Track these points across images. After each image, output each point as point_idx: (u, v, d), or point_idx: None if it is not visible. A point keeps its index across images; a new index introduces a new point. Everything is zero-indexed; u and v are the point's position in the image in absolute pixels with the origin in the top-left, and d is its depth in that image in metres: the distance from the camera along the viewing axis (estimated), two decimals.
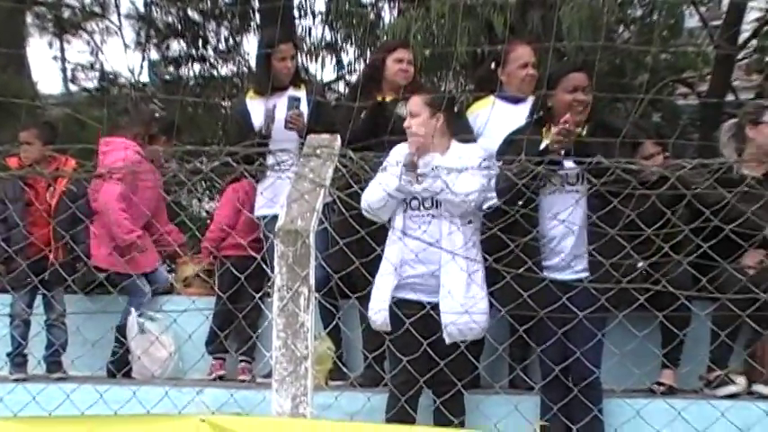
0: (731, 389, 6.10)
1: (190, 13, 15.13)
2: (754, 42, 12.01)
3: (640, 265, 5.63)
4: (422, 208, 5.75)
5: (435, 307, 5.63)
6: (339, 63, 13.95)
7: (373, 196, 5.68)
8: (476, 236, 5.78)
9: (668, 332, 5.94)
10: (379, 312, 5.76)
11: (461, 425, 5.60)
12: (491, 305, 5.82)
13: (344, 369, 6.75)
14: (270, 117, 6.96)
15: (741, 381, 6.18)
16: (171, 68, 15.47)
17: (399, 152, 5.81)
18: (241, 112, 7.35)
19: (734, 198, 5.10)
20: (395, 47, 7.25)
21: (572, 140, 5.49)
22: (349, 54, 13.54)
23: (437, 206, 5.72)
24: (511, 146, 5.80)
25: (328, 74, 14.28)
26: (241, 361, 7.37)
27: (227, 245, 7.50)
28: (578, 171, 5.57)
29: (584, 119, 5.75)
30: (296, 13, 13.69)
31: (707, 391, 6.15)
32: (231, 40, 15.23)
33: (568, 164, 5.58)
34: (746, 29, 11.92)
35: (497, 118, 6.43)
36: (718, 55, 11.33)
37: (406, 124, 5.86)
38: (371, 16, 12.08)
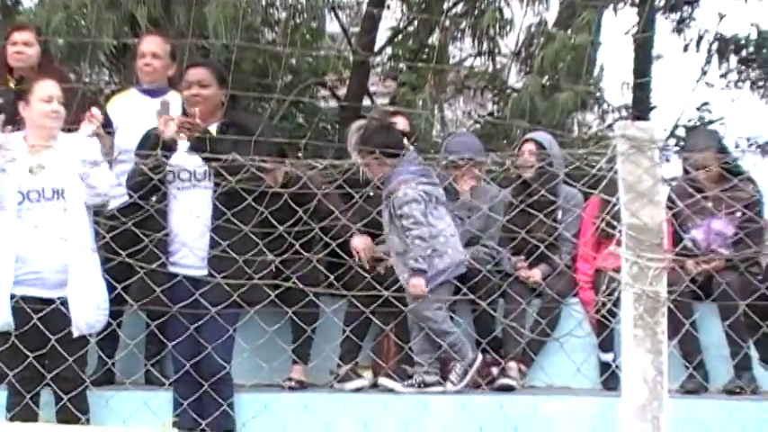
0: (358, 383, 6.35)
1: None
2: (389, 50, 12.53)
3: (269, 260, 5.75)
4: (42, 200, 5.57)
5: (53, 301, 5.50)
6: None
7: None
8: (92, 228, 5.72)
9: (298, 328, 6.10)
10: None
11: (87, 422, 5.49)
12: (125, 301, 5.77)
13: None
14: None
15: (368, 374, 6.45)
16: None
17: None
18: None
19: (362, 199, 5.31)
20: (11, 31, 6.98)
21: (194, 134, 5.54)
22: None
23: (59, 198, 5.57)
24: (148, 140, 5.76)
25: None
26: None
27: None
28: (207, 168, 5.61)
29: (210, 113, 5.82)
30: None
31: (336, 386, 6.37)
32: None
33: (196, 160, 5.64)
34: (383, 37, 12.40)
35: (136, 110, 6.40)
36: (356, 60, 11.71)
37: (54, 108, 5.65)
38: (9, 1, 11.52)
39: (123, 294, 5.51)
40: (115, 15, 9.03)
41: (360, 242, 6.40)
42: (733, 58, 13.17)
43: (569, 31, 9.76)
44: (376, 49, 12.16)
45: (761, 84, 13.23)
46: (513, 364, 6.48)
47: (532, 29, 10.88)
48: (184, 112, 5.68)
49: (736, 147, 13.26)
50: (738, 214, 6.34)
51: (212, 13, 8.81)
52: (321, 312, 6.06)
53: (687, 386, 6.22)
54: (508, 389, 6.27)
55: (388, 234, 6.27)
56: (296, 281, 5.47)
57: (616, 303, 3.33)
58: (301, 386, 6.37)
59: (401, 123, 6.79)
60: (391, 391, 6.17)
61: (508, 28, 10.87)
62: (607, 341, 6.30)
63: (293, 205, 4.98)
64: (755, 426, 5.06)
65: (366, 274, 5.64)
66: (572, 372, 5.87)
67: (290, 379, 6.38)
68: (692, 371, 6.21)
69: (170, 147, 5.56)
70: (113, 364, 6.34)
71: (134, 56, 6.98)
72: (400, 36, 12.23)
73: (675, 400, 4.21)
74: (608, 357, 6.35)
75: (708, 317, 6.33)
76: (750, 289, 4.67)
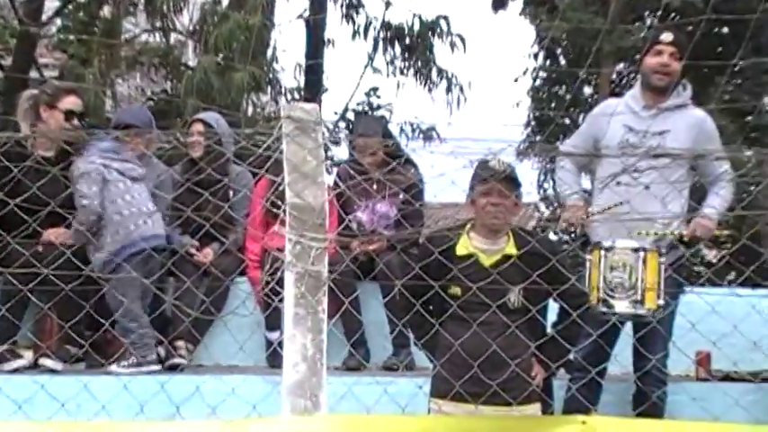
0: (17, 363, 6.15)
1: None
2: (59, 21, 12.17)
3: None
4: None
5: None
6: None
7: None
8: None
9: None
10: None
11: None
12: None
13: None
14: None
15: (28, 355, 6.24)
16: None
17: None
18: None
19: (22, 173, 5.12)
20: None
21: None
22: None
23: None
24: None
25: None
26: None
27: None
28: None
29: None
30: None
31: None
32: None
33: None
34: (52, 7, 12.02)
35: None
36: (21, 30, 11.28)
37: None
38: None
39: None
40: None
41: (53, 234, 6.21)
42: (398, 46, 13.72)
43: (243, 12, 9.84)
44: (44, 19, 11.76)
45: (423, 72, 13.81)
46: (180, 343, 6.46)
47: (206, 7, 10.87)
48: None
49: (401, 132, 13.85)
50: (400, 197, 6.61)
51: None
52: None
53: (349, 363, 6.41)
54: (175, 368, 6.24)
55: None
56: None
57: (280, 282, 3.37)
58: None
59: (72, 102, 6.57)
60: (52, 371, 6.00)
61: (182, 5, 10.79)
62: (273, 320, 6.38)
63: None
64: (407, 399, 5.26)
65: (24, 252, 5.45)
66: (237, 350, 5.91)
67: None
68: (352, 349, 6.42)
69: None
70: None
71: None
72: (70, 7, 11.90)
73: (335, 377, 4.35)
74: (274, 336, 6.43)
75: (370, 296, 6.55)
76: (408, 269, 4.86)
